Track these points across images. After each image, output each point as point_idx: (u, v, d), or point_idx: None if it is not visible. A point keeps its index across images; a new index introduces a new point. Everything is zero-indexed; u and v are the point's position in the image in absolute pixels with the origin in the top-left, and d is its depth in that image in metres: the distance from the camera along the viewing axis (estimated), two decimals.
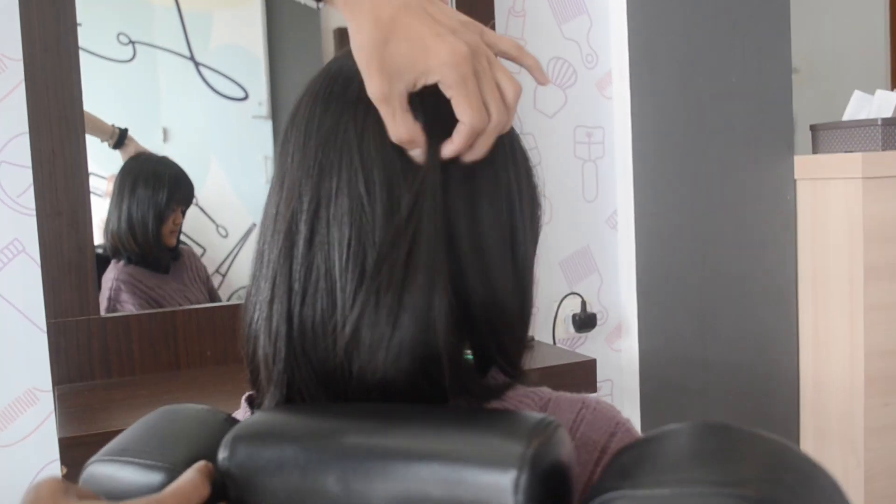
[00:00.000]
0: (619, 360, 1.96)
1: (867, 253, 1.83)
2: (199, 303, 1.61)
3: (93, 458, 0.62)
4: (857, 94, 2.05)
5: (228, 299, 1.67)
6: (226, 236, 1.67)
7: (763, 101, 1.98)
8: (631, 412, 1.93)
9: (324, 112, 0.63)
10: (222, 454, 0.57)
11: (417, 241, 0.59)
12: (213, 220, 1.66)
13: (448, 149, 0.60)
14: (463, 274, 0.61)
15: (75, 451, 1.10)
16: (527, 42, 1.82)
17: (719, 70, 1.94)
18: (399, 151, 0.60)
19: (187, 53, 1.62)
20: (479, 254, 0.62)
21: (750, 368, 2.00)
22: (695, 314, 1.95)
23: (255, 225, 1.68)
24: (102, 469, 0.61)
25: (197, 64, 1.63)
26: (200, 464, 0.57)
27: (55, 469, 1.47)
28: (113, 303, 1.55)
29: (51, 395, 1.45)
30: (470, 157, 0.61)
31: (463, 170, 0.62)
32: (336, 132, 0.62)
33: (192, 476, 0.56)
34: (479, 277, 0.61)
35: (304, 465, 0.55)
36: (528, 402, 0.64)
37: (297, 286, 0.61)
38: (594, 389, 1.47)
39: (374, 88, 0.59)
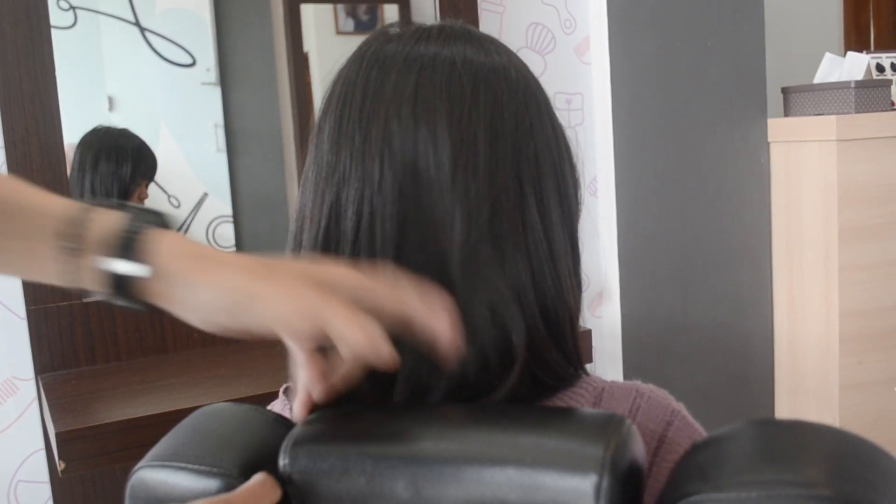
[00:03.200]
0: (601, 327, 1.97)
1: (841, 214, 1.85)
2: None
3: (140, 464, 0.60)
4: (828, 57, 2.06)
5: None
6: (178, 206, 1.62)
7: (737, 64, 1.98)
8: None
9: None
10: (283, 460, 0.55)
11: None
12: (164, 191, 1.61)
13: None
14: (530, 264, 0.59)
15: (72, 446, 1.06)
16: (506, 9, 1.79)
17: (696, 33, 1.93)
18: None
19: (132, 18, 1.55)
20: (549, 243, 0.60)
21: (728, 330, 2.03)
22: (675, 279, 1.96)
23: (206, 195, 1.63)
24: (153, 475, 0.58)
25: (142, 29, 1.56)
26: (263, 474, 0.54)
27: (39, 460, 1.43)
28: None
29: (32, 384, 1.40)
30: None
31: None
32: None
33: (263, 478, 0.54)
34: (547, 269, 0.60)
35: (371, 471, 0.53)
36: (583, 392, 0.63)
37: None
38: (590, 360, 1.47)
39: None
